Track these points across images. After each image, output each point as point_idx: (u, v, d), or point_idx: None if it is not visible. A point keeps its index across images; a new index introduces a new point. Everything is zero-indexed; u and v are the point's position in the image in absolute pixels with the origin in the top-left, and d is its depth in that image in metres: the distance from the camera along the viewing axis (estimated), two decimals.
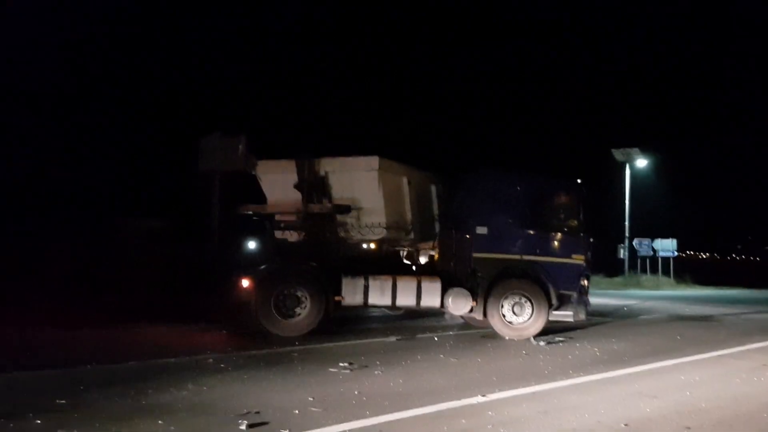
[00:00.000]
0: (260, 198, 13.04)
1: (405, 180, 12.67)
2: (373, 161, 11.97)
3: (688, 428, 5.96)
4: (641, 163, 36.70)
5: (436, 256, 12.67)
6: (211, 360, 8.94)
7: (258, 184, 13.04)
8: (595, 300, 13.86)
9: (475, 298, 11.70)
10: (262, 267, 12.10)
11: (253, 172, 12.88)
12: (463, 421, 6.06)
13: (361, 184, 12.09)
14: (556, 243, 12.01)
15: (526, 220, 11.95)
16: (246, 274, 11.80)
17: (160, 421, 5.76)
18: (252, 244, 13.70)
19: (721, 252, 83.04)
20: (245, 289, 11.70)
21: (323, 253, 12.16)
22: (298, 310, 11.62)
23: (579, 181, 12.36)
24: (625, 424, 6.05)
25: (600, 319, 15.32)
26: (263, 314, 11.49)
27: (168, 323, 12.19)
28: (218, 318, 12.44)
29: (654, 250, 35.87)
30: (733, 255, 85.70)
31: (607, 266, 32.92)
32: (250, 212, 13.00)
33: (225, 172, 13.20)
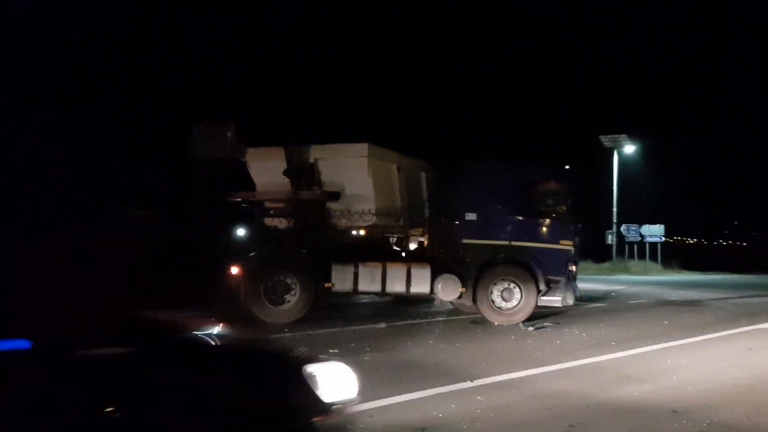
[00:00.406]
0: (250, 185, 12.99)
1: (395, 167, 12.67)
2: (363, 148, 11.96)
3: (675, 411, 6.03)
4: (629, 149, 36.91)
5: (426, 243, 12.71)
6: None
7: (247, 172, 12.99)
8: (583, 285, 13.98)
9: (464, 284, 11.76)
10: (252, 254, 12.10)
11: (243, 160, 12.83)
12: (453, 405, 6.11)
13: (351, 171, 12.08)
14: (544, 229, 12.07)
15: (515, 206, 12.01)
16: (235, 262, 11.79)
17: None
18: (241, 232, 13.69)
19: (709, 237, 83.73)
20: (235, 276, 11.70)
21: (313, 240, 12.17)
22: (287, 297, 11.64)
23: (567, 167, 12.44)
24: (613, 408, 6.13)
25: (588, 304, 15.45)
26: (253, 301, 11.50)
27: (157, 310, 12.16)
28: (207, 305, 12.43)
29: (642, 236, 36.18)
30: (720, 240, 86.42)
31: (595, 252, 33.15)
32: (240, 200, 12.98)
33: (214, 159, 13.14)
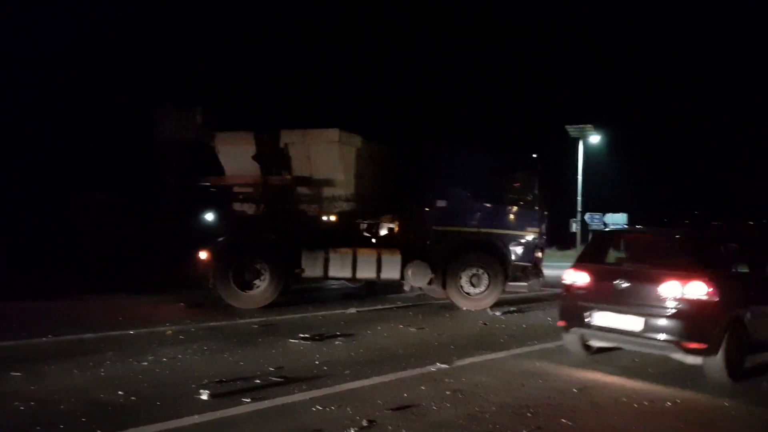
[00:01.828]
0: (218, 170, 12.85)
1: (366, 153, 12.65)
2: (334, 134, 11.92)
3: (636, 391, 6.25)
4: (594, 139, 37.48)
5: (396, 229, 12.78)
6: (170, 332, 8.90)
7: (216, 156, 12.84)
8: (549, 272, 14.16)
9: (434, 271, 11.88)
10: (221, 239, 12.02)
11: (211, 144, 12.68)
12: (423, 387, 6.20)
13: (321, 157, 12.04)
14: (512, 216, 12.23)
15: (484, 193, 12.13)
16: (204, 247, 11.70)
17: (120, 392, 5.73)
18: (210, 217, 13.58)
19: (670, 226, 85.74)
20: (204, 261, 11.61)
21: (283, 226, 12.13)
22: (257, 282, 11.59)
23: (535, 156, 12.56)
24: (577, 389, 6.29)
25: (553, 290, 15.70)
26: (222, 287, 11.43)
27: (126, 296, 12.06)
28: (177, 290, 12.36)
29: (605, 224, 36.85)
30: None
31: (560, 239, 33.73)
32: (208, 184, 12.84)
33: (181, 143, 12.99)
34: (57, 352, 7.39)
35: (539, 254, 12.35)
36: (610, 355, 8.03)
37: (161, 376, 6.47)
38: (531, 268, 12.15)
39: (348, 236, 12.50)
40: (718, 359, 6.67)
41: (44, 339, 8.09)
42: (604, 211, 37.24)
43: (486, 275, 11.89)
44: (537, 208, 12.28)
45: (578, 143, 37.07)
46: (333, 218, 12.54)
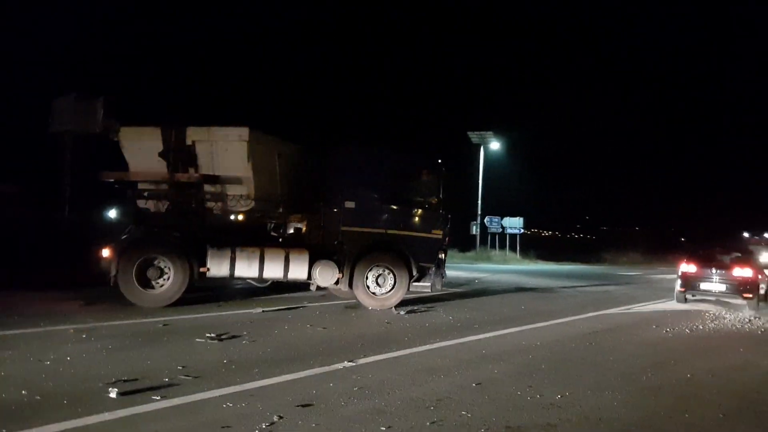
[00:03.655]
0: (123, 165, 12.49)
1: (275, 152, 12.70)
2: (243, 132, 11.87)
3: (530, 386, 6.73)
4: (494, 145, 39.04)
5: (305, 229, 12.91)
6: (72, 330, 8.66)
7: (120, 151, 12.49)
8: (450, 273, 14.74)
9: (341, 270, 12.11)
10: (123, 236, 11.73)
11: (115, 138, 12.33)
12: (331, 384, 6.43)
13: (230, 155, 11.96)
14: (417, 219, 12.65)
15: (391, 196, 12.49)
16: (106, 244, 11.39)
17: (23, 391, 5.61)
18: (113, 213, 13.19)
19: (562, 230, 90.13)
20: (106, 258, 11.30)
21: (188, 224, 11.98)
22: (160, 281, 11.42)
23: (439, 160, 13.03)
24: (476, 384, 6.71)
25: (455, 290, 16.36)
26: (124, 285, 11.19)
27: (23, 293, 11.54)
28: (75, 287, 11.95)
29: (503, 227, 38.42)
30: (573, 233, 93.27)
31: (461, 241, 34.83)
32: (112, 180, 12.46)
33: (81, 135, 12.56)
34: None
35: (443, 255, 12.84)
36: (505, 351, 8.57)
37: (66, 374, 6.35)
38: (434, 269, 12.62)
39: (256, 235, 12.52)
40: (755, 302, 14.88)
41: None
42: (503, 215, 38.77)
43: (391, 275, 12.25)
44: (441, 210, 12.75)
45: (479, 149, 38.51)
46: (240, 217, 12.51)
